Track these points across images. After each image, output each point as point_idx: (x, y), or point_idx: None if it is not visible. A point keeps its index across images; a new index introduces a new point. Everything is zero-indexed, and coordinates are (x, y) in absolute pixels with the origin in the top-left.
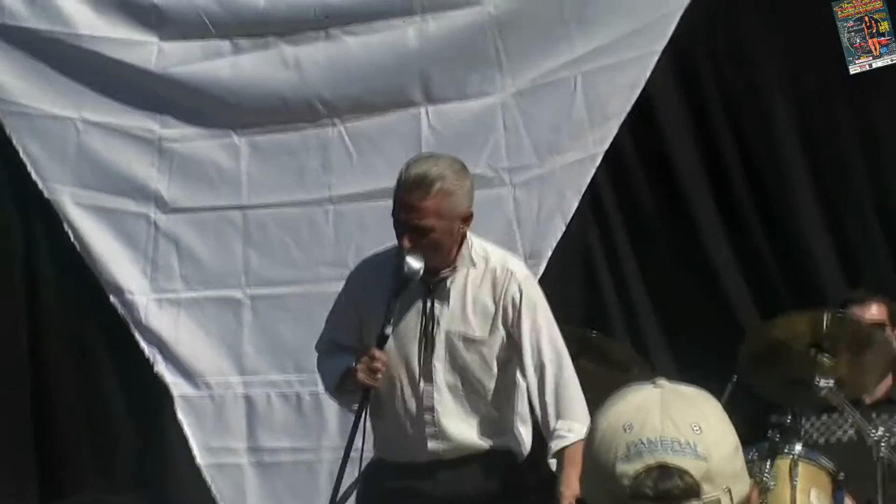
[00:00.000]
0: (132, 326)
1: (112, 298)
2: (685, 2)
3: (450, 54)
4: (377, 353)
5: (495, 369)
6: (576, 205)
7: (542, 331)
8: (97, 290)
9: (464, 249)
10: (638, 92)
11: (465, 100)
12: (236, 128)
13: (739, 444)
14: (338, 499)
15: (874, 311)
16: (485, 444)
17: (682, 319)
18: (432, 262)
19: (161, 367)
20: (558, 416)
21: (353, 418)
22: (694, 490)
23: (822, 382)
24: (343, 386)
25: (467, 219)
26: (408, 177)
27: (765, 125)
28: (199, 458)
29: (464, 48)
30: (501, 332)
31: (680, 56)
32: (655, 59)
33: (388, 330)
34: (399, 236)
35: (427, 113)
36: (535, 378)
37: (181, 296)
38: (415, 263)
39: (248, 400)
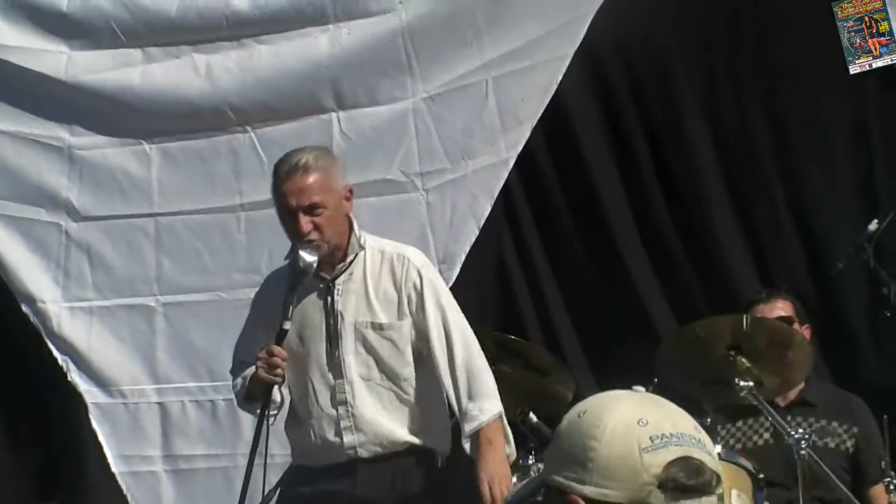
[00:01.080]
0: (45, 335)
1: (24, 308)
2: (597, 4)
3: (361, 60)
4: (275, 348)
5: (408, 357)
6: (489, 209)
7: (447, 312)
8: (9, 299)
9: (352, 237)
10: (550, 95)
11: (376, 105)
12: (147, 136)
13: None
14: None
15: (779, 308)
16: (403, 439)
17: (597, 323)
18: (330, 248)
19: (74, 376)
20: (469, 397)
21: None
22: (715, 484)
23: (742, 383)
24: (250, 394)
25: (349, 197)
26: (283, 170)
27: (677, 127)
28: (114, 466)
29: (375, 54)
30: (408, 320)
31: (592, 59)
32: (567, 62)
33: (287, 325)
34: (294, 226)
35: (338, 119)
36: (444, 358)
37: (94, 304)
38: (308, 256)
39: (163, 407)
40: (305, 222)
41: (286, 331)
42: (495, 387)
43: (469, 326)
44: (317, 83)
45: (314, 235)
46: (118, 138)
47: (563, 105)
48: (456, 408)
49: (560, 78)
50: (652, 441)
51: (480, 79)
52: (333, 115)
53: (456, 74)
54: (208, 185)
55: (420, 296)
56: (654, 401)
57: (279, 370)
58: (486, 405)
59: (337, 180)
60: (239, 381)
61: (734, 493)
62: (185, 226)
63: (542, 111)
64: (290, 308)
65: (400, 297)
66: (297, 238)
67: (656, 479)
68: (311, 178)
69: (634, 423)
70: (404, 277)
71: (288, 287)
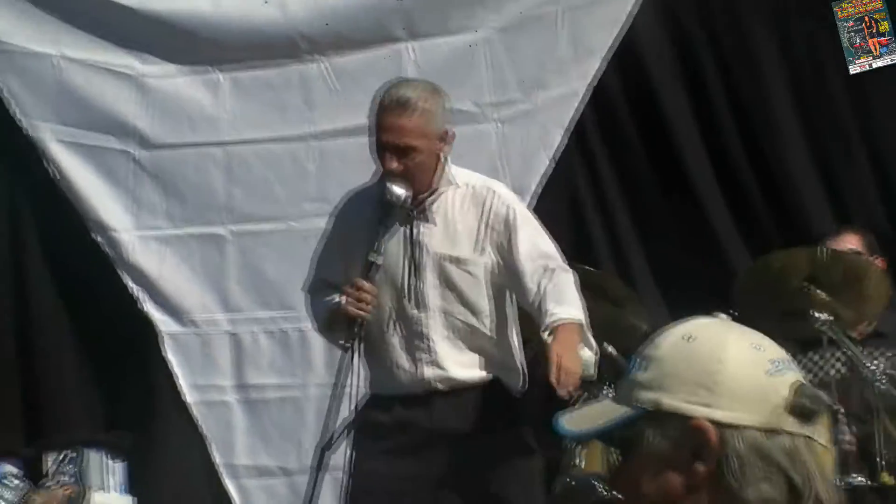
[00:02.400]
0: (117, 265)
1: (97, 236)
2: None
3: None
4: (363, 283)
5: (487, 291)
6: (559, 140)
7: (539, 237)
8: (82, 228)
9: (443, 171)
10: (622, 26)
11: (448, 35)
12: (217, 64)
13: None
14: (332, 435)
15: (849, 242)
16: (478, 374)
17: (670, 255)
18: (416, 186)
19: (148, 305)
20: (557, 303)
21: (339, 353)
22: (826, 411)
23: (818, 316)
24: (332, 324)
25: (445, 138)
26: (389, 99)
27: (750, 60)
28: (187, 396)
29: None
30: (490, 254)
31: None
32: None
33: (378, 259)
34: (383, 159)
35: (410, 49)
36: (536, 273)
37: (165, 233)
38: (398, 190)
39: (234, 337)
40: (391, 161)
41: (377, 265)
42: (582, 304)
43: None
44: (388, 13)
45: (400, 181)
46: (189, 66)
47: (635, 36)
48: (541, 313)
49: (631, 8)
50: (773, 365)
51: (553, 9)
52: (405, 44)
53: (528, 5)
54: (279, 114)
55: (512, 226)
56: (750, 329)
57: (367, 305)
58: (571, 311)
59: (438, 125)
60: (318, 308)
61: None
62: (256, 155)
63: (613, 42)
64: (379, 243)
65: (484, 230)
66: (384, 171)
67: (786, 402)
68: (412, 121)
69: (751, 349)
70: (490, 210)
71: (378, 221)
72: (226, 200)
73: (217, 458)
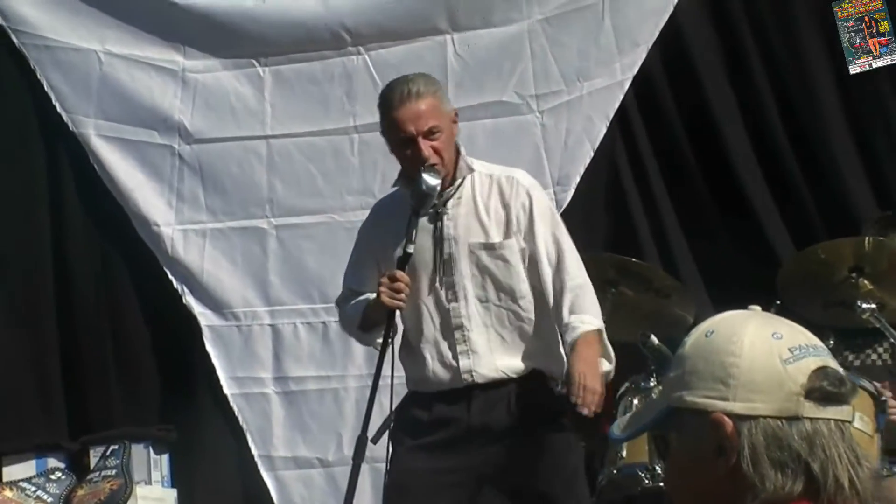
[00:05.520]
0: (159, 258)
1: (139, 231)
2: None
3: None
4: (397, 273)
5: (523, 275)
6: (604, 131)
7: (558, 232)
8: (124, 222)
9: (460, 161)
10: (666, 17)
11: (491, 27)
12: (259, 58)
13: None
14: (371, 430)
15: None
16: (518, 363)
17: (714, 245)
18: (447, 170)
19: (189, 299)
20: (572, 312)
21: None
22: (853, 393)
23: (864, 305)
24: (366, 321)
25: (456, 120)
26: (395, 98)
27: (794, 48)
28: (226, 388)
29: None
30: (519, 240)
31: None
32: None
33: (410, 248)
34: (415, 153)
35: (453, 41)
36: (552, 276)
37: (207, 226)
38: (431, 179)
39: (275, 329)
40: (426, 147)
41: (410, 254)
42: (599, 309)
43: (576, 251)
44: (431, 5)
45: (435, 159)
46: (231, 60)
47: (679, 26)
48: (556, 319)
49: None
50: (791, 352)
51: (596, 0)
52: (448, 36)
53: None
54: (321, 107)
55: (529, 216)
56: (777, 317)
57: (402, 294)
58: (587, 318)
59: (446, 103)
60: (350, 310)
61: (857, 415)
62: (298, 148)
63: (657, 33)
64: (414, 233)
65: (508, 215)
66: (418, 164)
67: (803, 388)
68: (425, 103)
69: (769, 337)
70: (513, 196)
71: (412, 211)
72: (268, 194)
73: (254, 450)
